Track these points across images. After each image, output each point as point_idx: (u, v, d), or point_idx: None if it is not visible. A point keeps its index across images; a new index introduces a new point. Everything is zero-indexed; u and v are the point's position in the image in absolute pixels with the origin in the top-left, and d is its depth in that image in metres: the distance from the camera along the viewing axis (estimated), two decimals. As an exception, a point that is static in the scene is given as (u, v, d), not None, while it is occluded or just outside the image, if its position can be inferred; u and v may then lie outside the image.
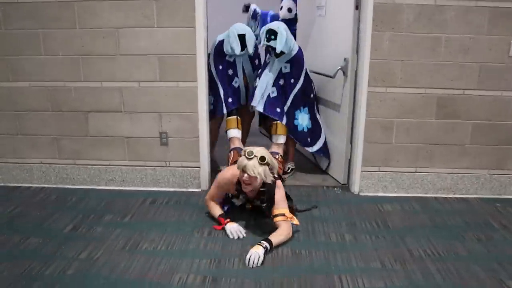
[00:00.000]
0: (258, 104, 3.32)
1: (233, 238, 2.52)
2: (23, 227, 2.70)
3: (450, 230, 2.70)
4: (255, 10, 4.42)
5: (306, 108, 3.43)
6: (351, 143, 3.23)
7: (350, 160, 3.28)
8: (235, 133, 3.36)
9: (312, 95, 3.47)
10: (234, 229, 2.56)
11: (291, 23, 4.09)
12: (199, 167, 3.22)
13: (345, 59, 3.12)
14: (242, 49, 3.25)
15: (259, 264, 2.25)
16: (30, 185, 3.38)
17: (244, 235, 2.55)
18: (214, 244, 2.49)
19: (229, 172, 2.64)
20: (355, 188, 3.22)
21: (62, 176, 3.33)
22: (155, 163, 3.25)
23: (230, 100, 3.39)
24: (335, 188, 3.34)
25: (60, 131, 3.24)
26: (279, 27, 3.19)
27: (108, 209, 2.95)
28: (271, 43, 3.19)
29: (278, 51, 3.16)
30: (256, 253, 2.27)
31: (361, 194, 3.23)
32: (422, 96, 3.02)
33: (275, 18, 4.13)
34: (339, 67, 3.14)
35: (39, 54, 3.09)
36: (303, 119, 3.43)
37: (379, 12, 2.88)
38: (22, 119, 3.24)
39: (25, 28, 3.04)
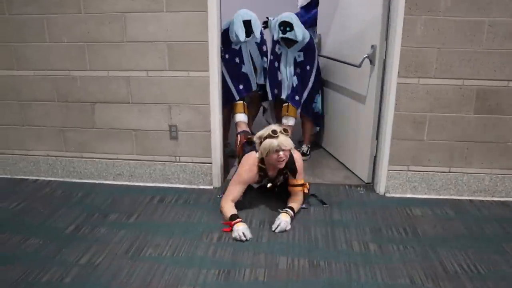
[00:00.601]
0: (287, 96, 3.42)
1: (236, 237, 2.37)
2: (26, 225, 2.56)
3: (489, 240, 2.40)
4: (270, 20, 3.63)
5: (320, 91, 3.57)
6: (377, 138, 2.94)
7: (375, 158, 2.99)
8: (242, 117, 3.37)
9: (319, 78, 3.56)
10: (240, 230, 2.38)
11: (311, 7, 3.84)
12: (210, 163, 3.00)
13: (372, 46, 2.81)
14: (247, 35, 3.21)
15: (288, 229, 2.45)
16: (37, 178, 3.24)
17: (248, 239, 2.37)
18: (224, 251, 2.27)
19: (248, 165, 2.62)
20: (381, 188, 2.93)
21: (69, 169, 3.17)
22: (165, 158, 3.04)
23: (241, 87, 3.38)
24: (359, 188, 3.06)
25: (65, 123, 3.07)
26: (292, 18, 3.17)
27: (114, 207, 2.77)
28: (288, 35, 3.17)
29: (299, 40, 3.19)
30: (286, 221, 2.46)
31: (387, 195, 2.94)
32: (459, 88, 2.69)
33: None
34: (366, 55, 2.83)
35: (43, 41, 2.90)
36: (319, 102, 3.57)
37: (413, -8, 2.55)
38: (27, 110, 3.08)
39: (28, 13, 2.84)
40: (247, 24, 3.17)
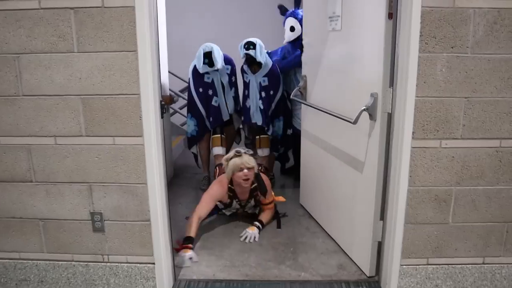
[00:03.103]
0: (257, 119, 3.55)
1: (177, 263, 2.36)
2: None
3: None
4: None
5: (282, 118, 3.66)
6: (382, 219, 2.14)
7: (380, 244, 2.19)
8: (219, 150, 3.59)
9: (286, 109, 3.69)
10: (182, 258, 2.41)
11: (295, 46, 3.54)
12: (153, 263, 2.11)
13: (372, 95, 2.03)
14: (210, 66, 3.38)
15: (256, 240, 2.68)
16: None
17: (186, 265, 2.39)
18: None
19: (218, 183, 2.87)
20: None
21: (-47, 274, 2.23)
22: (87, 257, 2.14)
23: (211, 119, 3.58)
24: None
25: None
26: (257, 40, 3.40)
27: None
28: (250, 52, 3.34)
29: (258, 59, 3.36)
30: (252, 232, 2.70)
31: (401, 297, 2.13)
32: (495, 152, 1.93)
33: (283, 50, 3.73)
34: (363, 108, 2.04)
35: None
36: (279, 127, 3.66)
37: (430, 22, 1.79)
38: None
39: None
40: (209, 55, 3.35)
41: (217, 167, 3.34)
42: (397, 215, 2.01)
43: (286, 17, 3.56)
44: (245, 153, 2.74)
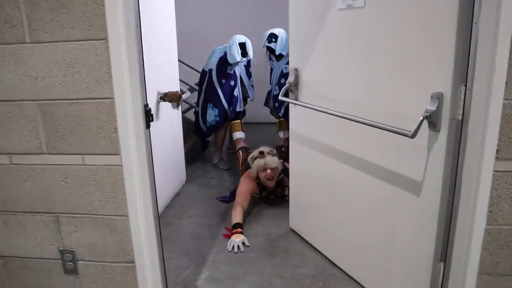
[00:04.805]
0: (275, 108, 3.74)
1: (229, 249, 2.39)
2: None
3: None
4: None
5: None
6: (443, 260, 1.58)
7: (441, 292, 1.63)
8: (240, 134, 3.72)
9: None
10: (235, 242, 2.42)
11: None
12: (141, 315, 1.65)
13: (434, 96, 1.44)
14: (243, 56, 3.54)
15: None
16: None
17: (241, 250, 2.37)
18: None
19: (248, 179, 2.93)
20: None
21: None
22: (60, 303, 1.70)
23: (231, 108, 3.71)
24: None
25: None
26: (280, 32, 3.48)
27: None
28: (271, 45, 3.47)
29: (277, 52, 3.46)
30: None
31: None
32: None
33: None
34: (425, 113, 1.46)
35: None
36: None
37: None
38: None
39: None
40: (243, 46, 3.51)
41: (239, 151, 3.46)
42: (469, 261, 1.45)
43: None
44: (268, 153, 2.84)
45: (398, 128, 1.54)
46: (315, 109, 2.04)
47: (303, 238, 2.50)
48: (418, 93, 1.53)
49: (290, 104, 2.41)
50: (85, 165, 1.50)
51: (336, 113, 1.87)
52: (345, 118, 1.82)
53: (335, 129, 2.05)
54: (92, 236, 1.58)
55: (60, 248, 1.62)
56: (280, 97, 2.32)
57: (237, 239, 2.43)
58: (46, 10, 1.37)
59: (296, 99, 2.31)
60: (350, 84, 1.91)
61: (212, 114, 3.66)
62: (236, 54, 3.46)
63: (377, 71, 1.75)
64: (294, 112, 2.40)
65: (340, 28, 1.93)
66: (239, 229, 2.51)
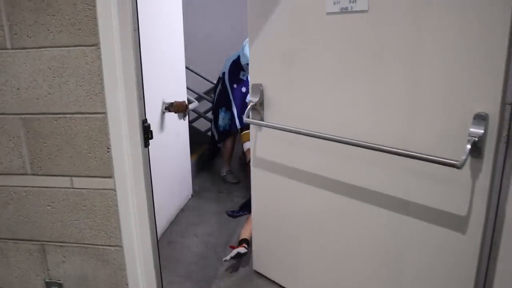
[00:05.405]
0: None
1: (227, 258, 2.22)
2: None
3: None
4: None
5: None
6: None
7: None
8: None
9: None
10: (235, 251, 2.24)
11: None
12: None
13: (478, 117, 1.22)
14: None
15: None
16: None
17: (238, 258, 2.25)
18: None
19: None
20: None
21: None
22: None
23: (242, 116, 3.52)
24: None
25: None
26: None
27: None
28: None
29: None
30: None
31: None
32: None
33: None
34: (472, 138, 1.22)
35: None
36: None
37: None
38: None
39: None
40: None
41: (250, 162, 3.21)
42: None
43: None
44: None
45: (443, 158, 1.28)
46: (299, 133, 1.66)
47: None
48: (444, 113, 1.30)
49: (252, 127, 2.03)
50: (74, 188, 1.31)
51: (340, 139, 1.53)
52: (352, 144, 1.49)
53: (326, 153, 1.70)
54: (81, 267, 1.39)
55: (46, 280, 1.43)
56: (245, 119, 1.89)
57: (238, 248, 2.30)
58: (29, 12, 1.19)
59: (262, 119, 1.93)
60: (346, 103, 1.59)
61: (226, 118, 3.56)
62: (248, 54, 3.36)
63: (387, 86, 1.47)
64: (259, 136, 2.03)
65: (331, 36, 1.57)
66: (244, 244, 2.35)
